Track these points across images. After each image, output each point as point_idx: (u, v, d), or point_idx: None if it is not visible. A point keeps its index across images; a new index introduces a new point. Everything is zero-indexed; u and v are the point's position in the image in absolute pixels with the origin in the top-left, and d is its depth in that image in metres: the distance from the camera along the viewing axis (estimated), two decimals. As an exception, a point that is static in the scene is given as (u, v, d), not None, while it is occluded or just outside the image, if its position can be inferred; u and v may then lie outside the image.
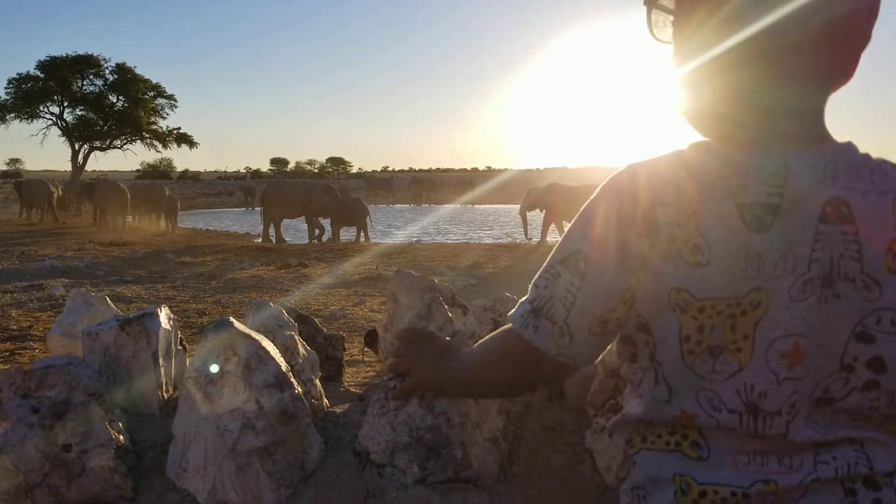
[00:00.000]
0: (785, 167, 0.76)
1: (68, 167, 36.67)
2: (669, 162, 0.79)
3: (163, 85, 37.90)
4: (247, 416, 1.35)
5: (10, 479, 1.35)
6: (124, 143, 37.61)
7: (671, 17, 0.87)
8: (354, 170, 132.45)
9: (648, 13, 0.90)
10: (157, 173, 79.38)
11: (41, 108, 35.37)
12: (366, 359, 3.09)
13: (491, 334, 1.01)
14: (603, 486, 1.40)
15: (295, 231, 19.14)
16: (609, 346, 0.89)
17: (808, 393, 0.76)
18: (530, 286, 0.87)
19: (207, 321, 4.61)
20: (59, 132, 35.71)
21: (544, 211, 15.68)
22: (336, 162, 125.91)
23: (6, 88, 35.17)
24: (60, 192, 22.79)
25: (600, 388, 1.45)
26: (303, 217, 17.22)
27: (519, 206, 17.08)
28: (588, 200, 0.83)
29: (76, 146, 35.42)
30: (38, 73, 34.87)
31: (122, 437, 1.46)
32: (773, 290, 0.74)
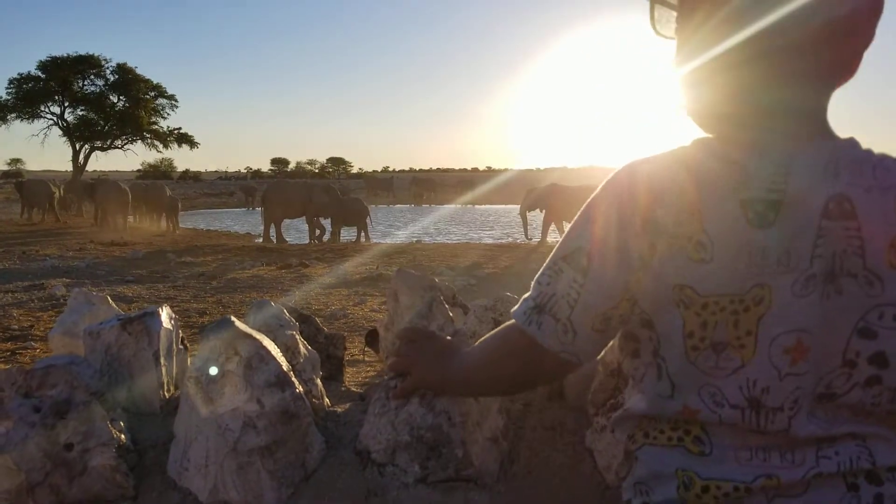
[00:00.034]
0: (787, 164, 0.76)
1: (69, 167, 36.71)
2: (671, 160, 0.79)
3: (164, 85, 37.97)
4: (248, 415, 1.36)
5: (12, 478, 1.35)
6: (125, 144, 37.64)
7: (674, 13, 0.87)
8: (355, 170, 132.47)
9: (651, 8, 0.90)
10: (158, 173, 79.42)
11: (42, 109, 35.41)
12: (366, 358, 3.09)
13: (492, 331, 1.02)
14: (603, 485, 1.40)
15: (295, 231, 19.14)
16: (610, 344, 0.89)
17: (811, 388, 0.76)
18: (533, 283, 0.87)
19: (208, 321, 4.61)
20: (60, 132, 35.75)
21: (544, 211, 15.68)
22: (336, 162, 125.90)
23: (7, 88, 35.21)
24: (61, 193, 22.80)
25: (600, 388, 1.45)
26: (303, 217, 17.22)
27: (519, 206, 17.08)
28: (589, 199, 0.83)
29: (77, 146, 35.45)
30: (39, 74, 34.91)
31: (123, 436, 1.46)
32: (776, 286, 0.74)
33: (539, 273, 0.87)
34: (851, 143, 0.80)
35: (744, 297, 0.74)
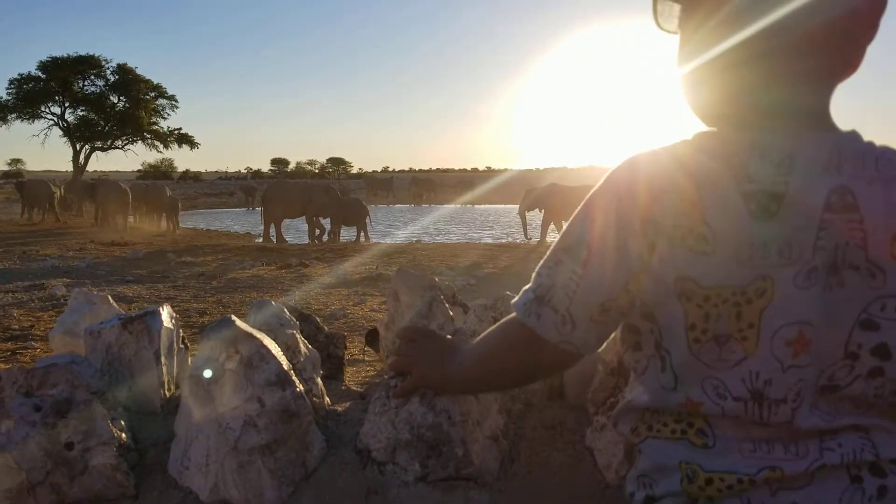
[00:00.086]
0: (789, 157, 0.76)
1: (69, 167, 36.74)
2: (671, 158, 0.79)
3: (164, 86, 38.00)
4: (248, 414, 1.36)
5: (13, 478, 1.36)
6: (125, 144, 37.67)
7: (677, 7, 0.87)
8: (355, 170, 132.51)
9: (654, 2, 0.90)
10: (159, 173, 79.49)
11: (42, 109, 35.44)
12: (366, 358, 3.09)
13: (493, 326, 1.02)
14: (603, 483, 1.41)
15: (295, 231, 19.15)
16: (610, 343, 0.89)
17: (813, 380, 0.76)
18: (533, 275, 0.88)
19: (208, 321, 4.62)
20: (61, 132, 35.79)
21: (543, 211, 15.69)
22: (336, 162, 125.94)
23: (7, 89, 35.25)
24: (62, 193, 22.81)
25: (600, 387, 1.45)
26: (303, 217, 17.23)
27: (518, 206, 17.09)
28: (591, 192, 0.83)
29: (77, 146, 35.47)
30: (40, 74, 34.94)
31: (124, 435, 1.46)
32: (778, 279, 0.74)
33: (539, 265, 0.87)
34: (853, 136, 0.80)
35: (746, 290, 0.74)
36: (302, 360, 1.69)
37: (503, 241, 16.65)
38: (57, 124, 35.67)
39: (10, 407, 1.38)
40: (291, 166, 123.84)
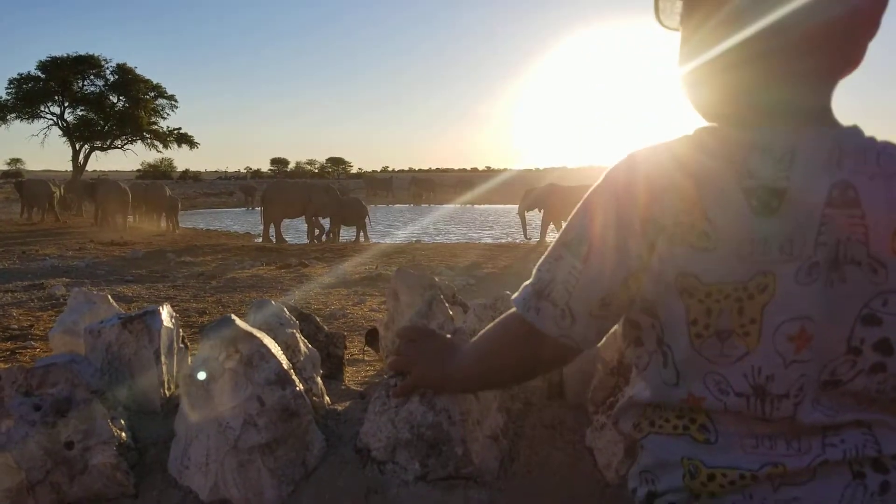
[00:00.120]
0: (791, 152, 0.76)
1: (69, 167, 36.73)
2: (671, 153, 0.79)
3: (163, 85, 38.01)
4: (248, 413, 1.36)
5: (13, 477, 1.36)
6: (125, 144, 37.67)
7: (679, 3, 0.87)
8: (354, 170, 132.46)
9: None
10: (158, 173, 79.44)
11: (42, 109, 35.43)
12: (366, 358, 3.09)
13: (492, 323, 1.02)
14: (603, 483, 1.41)
15: (295, 231, 19.15)
16: (610, 338, 0.89)
17: (816, 376, 0.76)
18: (534, 270, 0.88)
19: (208, 320, 4.62)
20: (60, 132, 35.78)
21: (543, 211, 15.69)
22: (336, 162, 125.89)
23: (7, 88, 35.27)
24: (62, 192, 22.80)
25: (600, 386, 1.46)
26: (303, 217, 17.23)
27: (518, 206, 17.10)
28: (591, 189, 0.83)
29: (77, 146, 35.46)
30: (39, 74, 34.94)
31: (124, 434, 1.46)
32: (780, 274, 0.74)
33: (540, 261, 0.87)
34: (854, 131, 0.80)
35: (748, 285, 0.74)
36: (302, 359, 1.69)
37: (503, 241, 16.66)
38: (56, 124, 35.68)
39: (10, 406, 1.38)
40: (291, 166, 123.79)
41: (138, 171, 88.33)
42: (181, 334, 1.88)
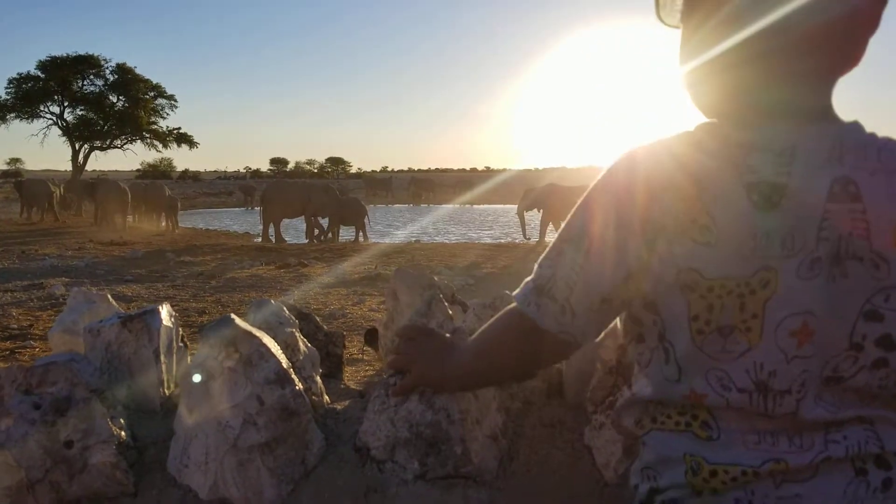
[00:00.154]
0: (791, 148, 0.76)
1: (68, 167, 36.73)
2: (671, 152, 0.79)
3: (163, 85, 37.99)
4: (248, 412, 1.36)
5: (13, 475, 1.36)
6: (124, 143, 37.66)
7: (679, 0, 0.87)
8: (354, 170, 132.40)
9: None
10: (158, 173, 79.41)
11: (41, 108, 35.42)
12: (365, 357, 3.09)
13: (492, 319, 1.02)
14: (602, 482, 1.41)
15: (295, 231, 19.14)
16: (609, 338, 0.89)
17: (818, 372, 0.76)
18: (535, 266, 0.88)
19: (207, 320, 4.62)
20: (60, 132, 35.78)
21: (542, 211, 15.69)
22: (335, 162, 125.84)
23: (6, 88, 35.27)
24: (61, 192, 22.80)
25: (599, 385, 1.46)
26: (302, 217, 17.23)
27: (517, 206, 17.10)
28: (591, 187, 0.83)
29: (76, 146, 35.44)
30: (39, 73, 34.92)
31: (123, 433, 1.46)
32: (782, 270, 0.74)
33: (541, 257, 0.87)
34: (855, 127, 0.80)
35: (750, 281, 0.74)
36: (301, 358, 1.69)
37: (502, 241, 16.65)
38: (56, 124, 35.67)
39: (10, 405, 1.38)
40: (290, 166, 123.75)
41: (138, 170, 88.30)
42: (181, 333, 1.88)
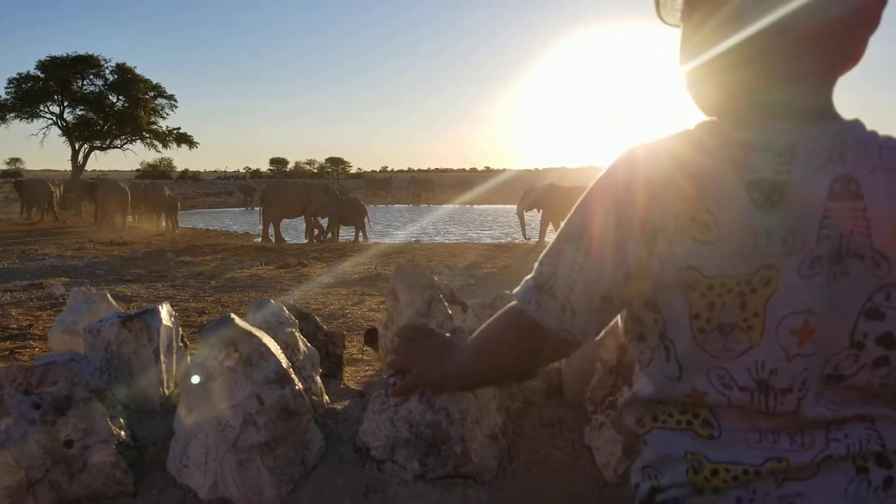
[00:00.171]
0: (792, 147, 0.76)
1: (68, 167, 36.72)
2: (671, 152, 0.79)
3: (163, 85, 37.98)
4: (248, 411, 1.36)
5: (12, 475, 1.36)
6: (124, 143, 37.66)
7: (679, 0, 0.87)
8: (353, 170, 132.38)
9: None
10: (157, 173, 79.44)
11: (41, 108, 35.42)
12: (365, 357, 3.10)
13: (492, 317, 1.02)
14: (602, 482, 1.41)
15: (295, 231, 19.14)
16: (609, 338, 0.89)
17: (819, 370, 0.76)
18: (535, 265, 0.88)
19: (207, 320, 4.62)
20: (60, 132, 35.78)
21: (542, 211, 15.69)
22: (335, 162, 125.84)
23: (6, 88, 35.28)
24: (61, 192, 22.80)
25: (599, 385, 1.46)
26: (302, 217, 17.23)
27: (517, 206, 17.10)
28: (590, 186, 0.83)
29: (76, 146, 35.44)
30: (39, 73, 34.92)
31: (123, 432, 1.46)
32: (783, 268, 0.74)
33: (542, 255, 0.87)
34: (856, 125, 0.80)
35: (751, 279, 0.74)
36: (301, 358, 1.69)
37: (502, 241, 16.66)
38: (56, 123, 35.66)
39: (10, 405, 1.38)
40: (290, 166, 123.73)
41: (137, 170, 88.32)
42: (180, 333, 1.88)
